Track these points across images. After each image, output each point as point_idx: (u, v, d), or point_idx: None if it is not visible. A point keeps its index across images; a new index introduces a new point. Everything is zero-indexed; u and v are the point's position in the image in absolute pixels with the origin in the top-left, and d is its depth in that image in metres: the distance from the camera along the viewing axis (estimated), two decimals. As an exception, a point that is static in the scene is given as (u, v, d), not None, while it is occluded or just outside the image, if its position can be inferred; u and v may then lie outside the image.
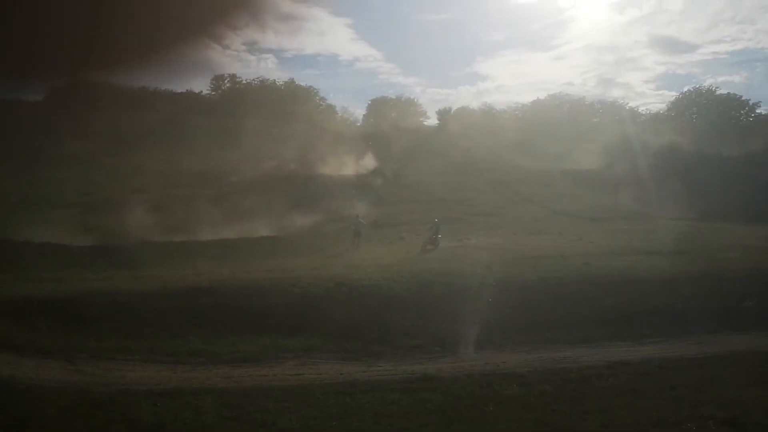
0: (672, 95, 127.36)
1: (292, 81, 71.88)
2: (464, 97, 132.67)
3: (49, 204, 33.82)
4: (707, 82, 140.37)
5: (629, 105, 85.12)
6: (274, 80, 72.38)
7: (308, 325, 14.91)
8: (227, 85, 70.75)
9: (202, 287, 17.13)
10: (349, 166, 47.78)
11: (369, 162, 49.27)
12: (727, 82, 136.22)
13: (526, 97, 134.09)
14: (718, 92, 74.21)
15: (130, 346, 13.66)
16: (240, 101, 62.43)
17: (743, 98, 72.54)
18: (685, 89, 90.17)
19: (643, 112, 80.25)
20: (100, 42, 1.85)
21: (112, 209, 30.69)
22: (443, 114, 77.23)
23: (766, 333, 14.36)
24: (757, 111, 71.75)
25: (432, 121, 79.03)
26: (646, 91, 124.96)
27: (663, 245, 23.54)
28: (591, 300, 16.16)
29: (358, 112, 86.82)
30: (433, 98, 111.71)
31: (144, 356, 13.22)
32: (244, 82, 72.41)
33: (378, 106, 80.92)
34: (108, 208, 31.55)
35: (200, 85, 67.91)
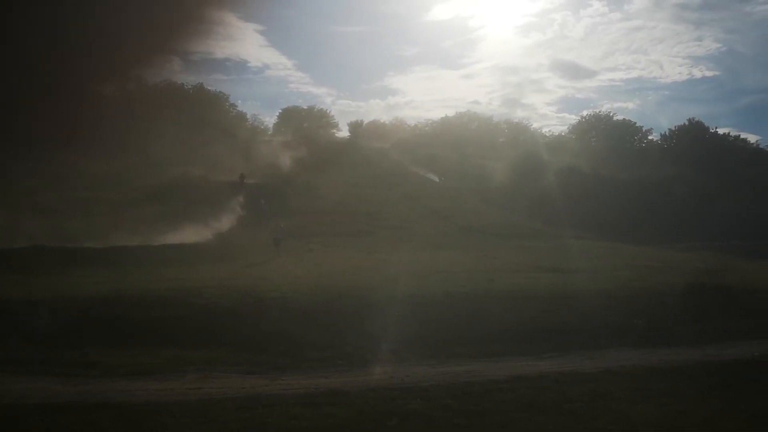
0: (573, 118, 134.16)
1: (201, 85, 69.90)
2: (375, 110, 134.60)
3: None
4: (604, 107, 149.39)
5: (533, 126, 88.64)
6: (182, 84, 70.15)
7: (212, 338, 14.51)
8: (132, 85, 67.77)
9: (99, 296, 16.40)
10: (259, 174, 47.04)
11: (280, 171, 48.71)
12: (622, 108, 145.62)
13: (436, 114, 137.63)
14: (615, 118, 78.72)
15: (19, 356, 12.85)
16: (145, 103, 59.95)
17: (637, 125, 77.37)
18: (585, 113, 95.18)
19: (546, 134, 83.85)
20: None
21: (2, 211, 28.80)
22: (355, 126, 77.98)
23: (653, 350, 15.20)
24: (649, 137, 76.69)
25: (343, 133, 79.44)
26: (549, 113, 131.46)
27: (561, 263, 24.65)
28: (494, 315, 16.57)
29: (269, 120, 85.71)
30: (344, 110, 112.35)
31: (34, 368, 12.46)
32: (149, 83, 69.54)
33: (289, 116, 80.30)
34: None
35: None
